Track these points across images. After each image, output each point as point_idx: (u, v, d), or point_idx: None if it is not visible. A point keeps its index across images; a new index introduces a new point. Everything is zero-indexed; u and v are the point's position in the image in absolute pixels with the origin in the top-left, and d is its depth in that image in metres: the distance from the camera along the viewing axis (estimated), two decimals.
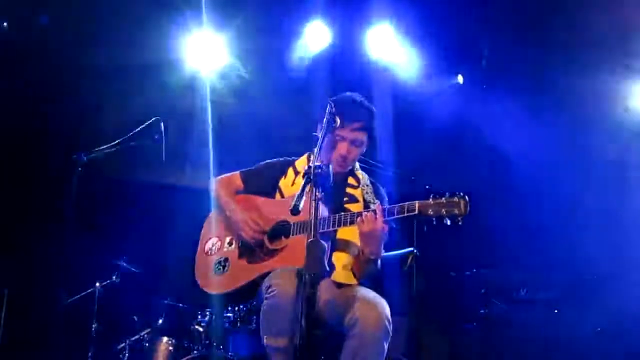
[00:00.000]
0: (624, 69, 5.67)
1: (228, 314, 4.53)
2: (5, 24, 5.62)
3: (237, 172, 3.65)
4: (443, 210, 2.93)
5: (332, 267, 3.24)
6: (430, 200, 2.97)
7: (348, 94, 3.42)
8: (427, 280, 5.49)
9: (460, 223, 2.92)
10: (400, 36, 5.96)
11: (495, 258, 5.74)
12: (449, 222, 2.93)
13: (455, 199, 2.93)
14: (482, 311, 5.48)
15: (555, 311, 5.39)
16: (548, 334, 5.32)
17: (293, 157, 3.59)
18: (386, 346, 3.00)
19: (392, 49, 6.01)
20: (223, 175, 3.67)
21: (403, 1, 5.71)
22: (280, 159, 3.62)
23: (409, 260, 4.23)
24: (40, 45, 5.58)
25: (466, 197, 2.93)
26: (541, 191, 5.80)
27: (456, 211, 2.91)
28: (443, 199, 2.95)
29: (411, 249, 4.35)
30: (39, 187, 5.85)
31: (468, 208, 2.91)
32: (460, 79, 6.24)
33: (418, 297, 5.37)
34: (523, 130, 5.94)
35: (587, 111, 5.83)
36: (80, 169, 4.59)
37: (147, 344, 4.79)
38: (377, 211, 3.02)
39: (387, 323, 2.99)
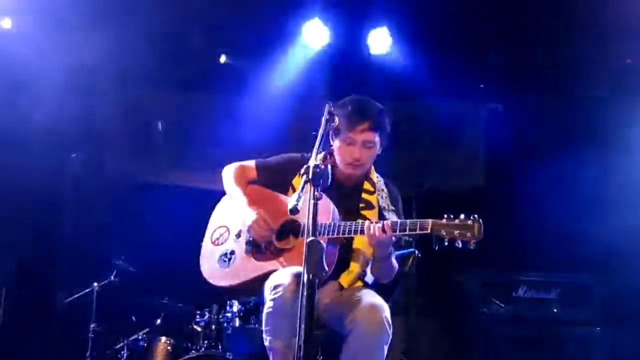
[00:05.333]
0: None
1: (227, 314, 4.53)
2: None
3: (253, 162, 3.55)
4: (456, 232, 2.87)
5: (343, 270, 3.23)
6: (444, 220, 2.91)
7: (351, 96, 3.33)
8: (426, 280, 5.47)
9: (472, 247, 2.87)
10: (399, 36, 5.94)
11: (495, 258, 5.72)
12: (460, 245, 2.89)
13: (470, 221, 2.87)
14: (482, 311, 5.47)
15: (555, 310, 5.38)
16: (548, 333, 5.30)
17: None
18: (386, 349, 2.98)
19: (391, 48, 5.99)
20: (238, 163, 3.57)
21: (402, 0, 5.69)
22: (298, 155, 3.49)
23: (410, 261, 4.20)
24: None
25: (480, 221, 2.87)
26: (541, 190, 5.79)
27: (469, 235, 2.86)
28: (457, 220, 2.89)
29: (412, 249, 4.33)
30: (37, 186, 5.83)
31: (482, 232, 2.86)
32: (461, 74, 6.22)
33: (418, 297, 5.36)
34: (523, 128, 5.93)
35: (585, 109, 5.83)
36: (78, 167, 4.57)
37: (145, 344, 4.79)
38: (386, 227, 2.99)
39: (387, 327, 2.97)
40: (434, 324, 5.87)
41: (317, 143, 2.93)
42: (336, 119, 2.99)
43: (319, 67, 6.02)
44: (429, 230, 2.93)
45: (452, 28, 5.78)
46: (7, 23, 5.67)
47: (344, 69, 6.02)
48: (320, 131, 2.96)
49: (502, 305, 5.41)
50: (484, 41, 5.95)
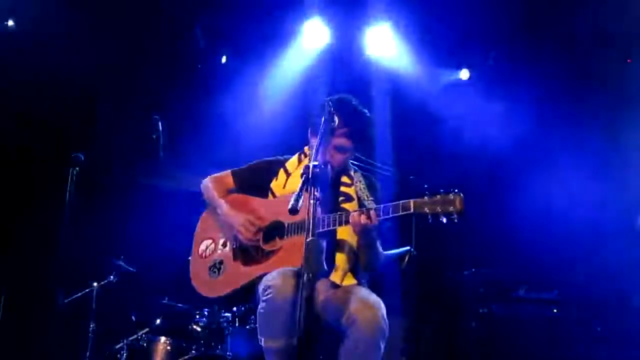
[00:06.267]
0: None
1: (226, 314, 4.53)
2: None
3: (229, 171, 3.61)
4: (438, 207, 2.91)
5: (332, 267, 3.22)
6: (426, 198, 2.95)
7: (342, 96, 3.35)
8: (426, 280, 5.46)
9: (456, 220, 2.90)
10: (399, 34, 5.94)
11: (494, 258, 5.72)
12: (445, 220, 2.91)
13: (451, 196, 2.91)
14: (481, 311, 5.48)
15: (555, 311, 5.38)
16: (548, 333, 5.30)
17: (285, 156, 3.55)
18: (382, 345, 2.99)
19: (391, 47, 5.99)
20: (214, 175, 3.64)
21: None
22: (272, 158, 3.57)
23: (406, 259, 4.21)
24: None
25: (461, 194, 2.91)
26: (540, 189, 5.79)
27: (451, 208, 2.89)
28: (438, 196, 2.93)
29: (408, 247, 4.33)
30: (36, 186, 5.83)
31: (463, 205, 2.89)
32: (463, 73, 6.22)
33: (417, 297, 5.35)
34: (522, 127, 5.93)
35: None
36: (77, 168, 4.56)
37: (144, 344, 4.77)
38: (371, 214, 3.00)
39: (383, 323, 2.98)
40: (434, 324, 5.87)
41: (317, 142, 2.93)
42: (336, 118, 3.00)
43: (319, 67, 6.02)
44: (412, 210, 2.95)
45: (452, 27, 5.79)
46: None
47: (344, 68, 6.02)
48: (320, 130, 2.98)
49: (502, 305, 5.42)
50: (484, 39, 5.96)
